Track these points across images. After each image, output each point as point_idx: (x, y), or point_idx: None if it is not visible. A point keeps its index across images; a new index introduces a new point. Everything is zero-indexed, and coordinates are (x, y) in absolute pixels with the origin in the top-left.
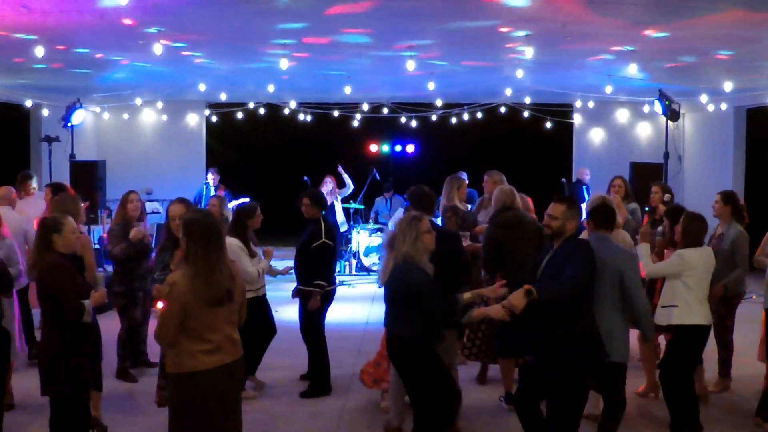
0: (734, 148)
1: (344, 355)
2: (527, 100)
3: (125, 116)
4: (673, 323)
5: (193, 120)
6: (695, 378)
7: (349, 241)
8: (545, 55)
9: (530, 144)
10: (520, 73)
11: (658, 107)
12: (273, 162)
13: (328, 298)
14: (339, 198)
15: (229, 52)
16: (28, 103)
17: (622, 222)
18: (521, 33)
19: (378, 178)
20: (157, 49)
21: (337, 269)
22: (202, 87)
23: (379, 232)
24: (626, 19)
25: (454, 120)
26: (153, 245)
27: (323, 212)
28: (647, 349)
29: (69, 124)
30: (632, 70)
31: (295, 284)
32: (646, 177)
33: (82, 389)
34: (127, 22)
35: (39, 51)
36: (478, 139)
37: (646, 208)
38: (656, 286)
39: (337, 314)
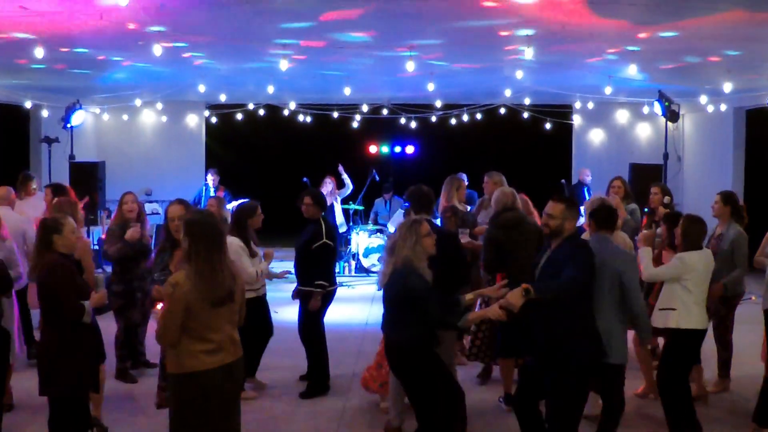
0: (734, 148)
1: (344, 356)
2: (527, 101)
3: (125, 117)
4: (670, 326)
5: (193, 121)
6: (695, 378)
7: (348, 242)
8: (545, 55)
9: (530, 145)
10: (519, 74)
11: (657, 108)
12: (273, 163)
13: (328, 298)
14: (339, 199)
15: (229, 53)
16: (28, 104)
17: (621, 223)
18: (521, 34)
19: (377, 179)
20: (157, 50)
21: (337, 270)
22: (201, 88)
23: (378, 234)
24: (626, 19)
25: (453, 121)
26: (152, 246)
27: (323, 213)
28: (643, 351)
29: (69, 125)
30: (632, 70)
31: (294, 285)
32: (646, 178)
33: (81, 390)
34: (130, 25)
35: (39, 52)
36: (478, 140)
37: (646, 210)
38: (654, 286)
39: (336, 315)
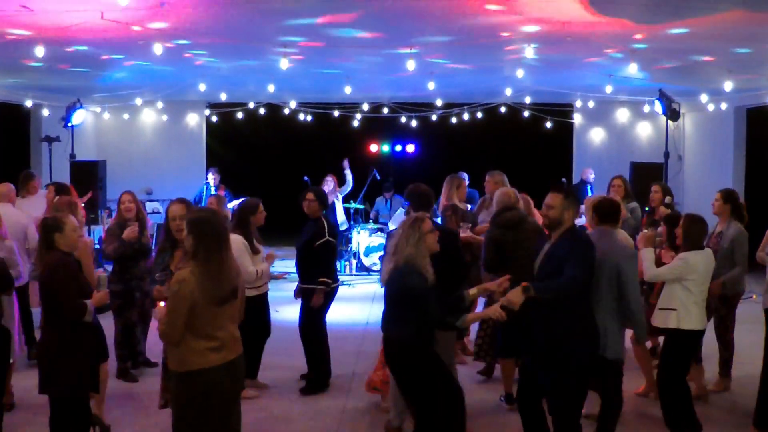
0: (734, 148)
1: (344, 355)
2: (527, 100)
3: (125, 116)
4: (670, 326)
5: (194, 120)
6: (695, 378)
7: (349, 240)
8: (545, 54)
9: (530, 144)
10: (520, 73)
11: (658, 107)
12: (273, 162)
13: (330, 295)
14: (340, 197)
15: (230, 51)
16: (29, 103)
17: (621, 222)
18: (521, 33)
19: (378, 178)
20: (158, 48)
21: (338, 269)
22: (202, 87)
23: (379, 232)
24: (627, 18)
25: (454, 120)
26: (153, 245)
27: (324, 211)
28: (641, 350)
29: (69, 124)
30: (632, 69)
31: (296, 284)
32: (646, 177)
33: (81, 389)
34: (133, 27)
35: (39, 51)
36: (478, 139)
37: (646, 209)
38: (655, 286)
39: (337, 314)
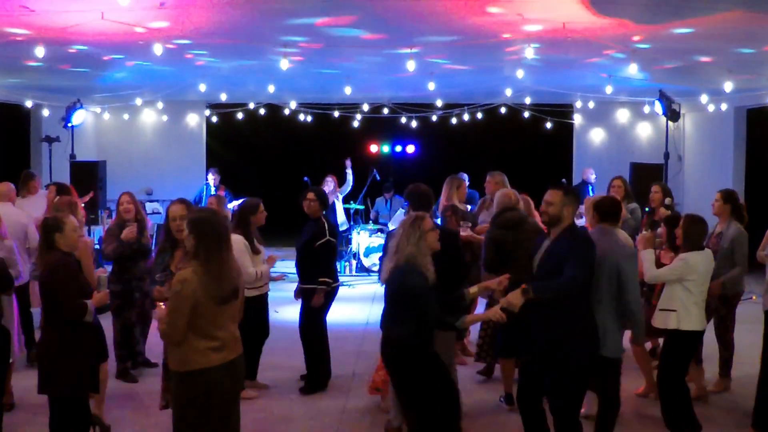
0: (734, 148)
1: (344, 355)
2: (527, 101)
3: (125, 116)
4: (670, 327)
5: (194, 120)
6: (695, 378)
7: (349, 241)
8: (546, 55)
9: (530, 144)
10: (520, 74)
11: (658, 107)
12: (273, 162)
13: (331, 295)
14: (340, 197)
15: (230, 51)
16: (29, 104)
17: (621, 222)
18: (522, 33)
19: (378, 178)
20: (158, 49)
21: (338, 269)
22: (202, 87)
23: (379, 233)
24: (627, 18)
25: (454, 120)
26: (153, 246)
27: (324, 211)
28: (641, 351)
29: (69, 125)
30: (632, 70)
31: (296, 285)
32: (647, 177)
33: (81, 390)
34: (136, 28)
35: (40, 51)
36: (478, 139)
37: (646, 209)
38: (656, 287)
39: (337, 314)
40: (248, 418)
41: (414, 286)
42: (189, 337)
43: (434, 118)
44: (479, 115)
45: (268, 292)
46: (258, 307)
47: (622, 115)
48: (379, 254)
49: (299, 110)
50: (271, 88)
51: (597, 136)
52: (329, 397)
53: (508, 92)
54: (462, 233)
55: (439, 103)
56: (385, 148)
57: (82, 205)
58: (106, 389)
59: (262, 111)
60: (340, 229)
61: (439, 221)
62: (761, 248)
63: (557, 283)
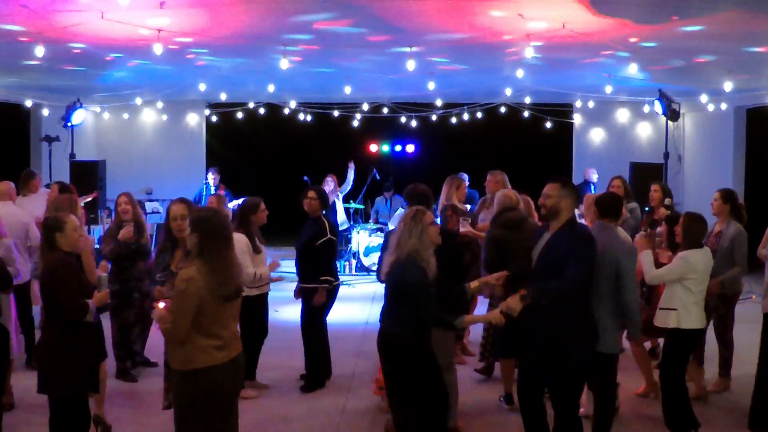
0: (734, 148)
1: (344, 355)
2: (527, 100)
3: (125, 116)
4: (670, 326)
5: (194, 120)
6: (695, 378)
7: (349, 240)
8: (545, 54)
9: (530, 144)
10: (520, 73)
11: (658, 107)
12: (273, 162)
13: (332, 294)
14: (340, 196)
15: (230, 51)
16: (28, 103)
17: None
18: (522, 33)
19: (378, 178)
20: (158, 48)
21: (338, 268)
22: (202, 87)
23: (379, 232)
24: (627, 18)
25: (454, 120)
26: (153, 245)
27: (324, 211)
28: (640, 351)
29: (69, 124)
30: (632, 70)
31: (295, 284)
32: (646, 177)
33: (81, 389)
34: (138, 29)
35: (39, 51)
36: (478, 139)
37: (646, 209)
38: (656, 288)
39: (337, 314)
40: (248, 417)
41: (413, 282)
42: (192, 336)
43: (434, 117)
44: (479, 115)
45: (269, 292)
46: (258, 306)
47: (622, 115)
48: (379, 254)
49: (299, 110)
50: (271, 88)
51: (597, 135)
52: (329, 396)
53: (508, 92)
54: (461, 228)
55: (439, 102)
56: (385, 148)
57: (82, 204)
58: (106, 389)
59: (262, 110)
60: (340, 228)
61: (438, 221)
62: (761, 246)
63: (557, 283)
